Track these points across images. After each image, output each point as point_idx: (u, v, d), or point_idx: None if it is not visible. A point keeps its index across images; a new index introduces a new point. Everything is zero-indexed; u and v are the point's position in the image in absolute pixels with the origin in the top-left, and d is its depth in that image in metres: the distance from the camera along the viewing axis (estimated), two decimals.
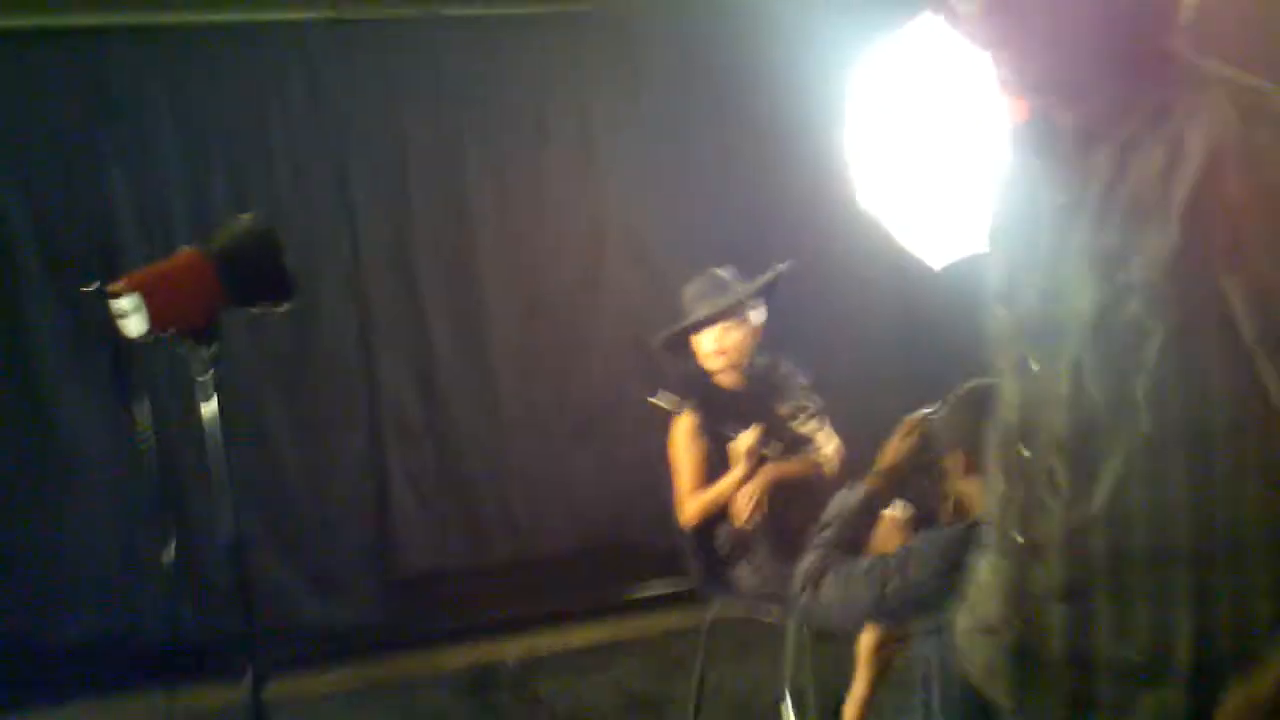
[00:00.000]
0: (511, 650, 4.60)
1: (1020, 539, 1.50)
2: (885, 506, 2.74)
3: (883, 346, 4.92)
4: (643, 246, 4.86)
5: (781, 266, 3.57)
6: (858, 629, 3.33)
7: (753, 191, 4.85)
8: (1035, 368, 1.49)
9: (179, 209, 4.37)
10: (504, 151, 4.71)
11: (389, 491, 4.76)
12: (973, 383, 2.36)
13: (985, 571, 1.60)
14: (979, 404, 1.86)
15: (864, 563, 2.55)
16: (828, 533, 2.67)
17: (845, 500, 2.72)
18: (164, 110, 4.33)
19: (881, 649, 3.35)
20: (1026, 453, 1.50)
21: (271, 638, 4.09)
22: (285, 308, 2.19)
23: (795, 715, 3.49)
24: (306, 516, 4.62)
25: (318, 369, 4.62)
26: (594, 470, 4.88)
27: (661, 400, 3.61)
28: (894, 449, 2.66)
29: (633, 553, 4.84)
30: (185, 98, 4.34)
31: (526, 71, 4.68)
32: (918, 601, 2.40)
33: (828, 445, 3.57)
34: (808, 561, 2.92)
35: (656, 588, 4.83)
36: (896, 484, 2.69)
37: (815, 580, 2.70)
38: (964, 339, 1.80)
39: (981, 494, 1.89)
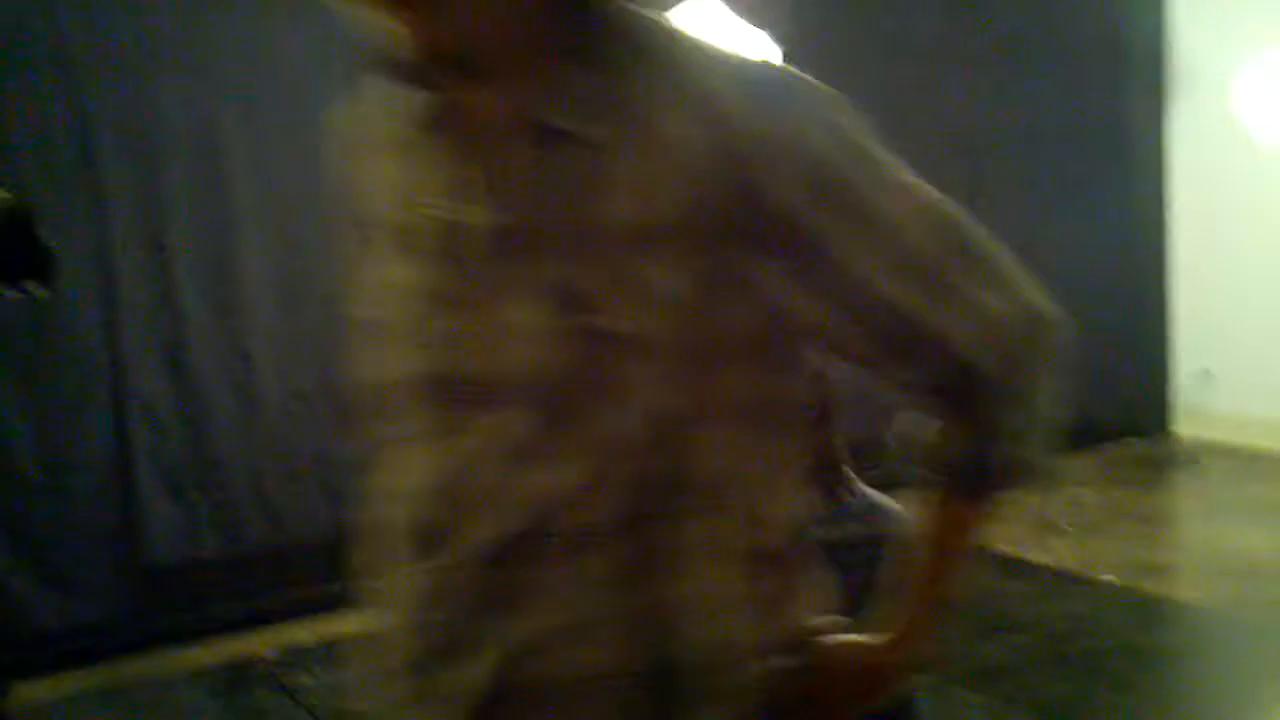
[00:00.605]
0: (268, 643, 4.45)
1: (437, 682, 1.10)
2: None
3: None
4: None
5: None
6: None
7: None
8: (453, 443, 1.07)
9: None
10: (266, 125, 4.53)
11: (134, 481, 4.51)
12: None
13: None
14: None
15: None
16: None
17: None
18: None
19: None
20: (444, 561, 1.08)
21: (6, 642, 3.88)
22: (42, 291, 2.06)
23: None
24: (41, 509, 4.32)
25: (54, 351, 4.31)
26: (355, 456, 4.76)
27: None
28: None
29: None
30: None
31: (296, 47, 4.51)
32: None
33: None
34: None
35: None
36: None
37: None
38: None
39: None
